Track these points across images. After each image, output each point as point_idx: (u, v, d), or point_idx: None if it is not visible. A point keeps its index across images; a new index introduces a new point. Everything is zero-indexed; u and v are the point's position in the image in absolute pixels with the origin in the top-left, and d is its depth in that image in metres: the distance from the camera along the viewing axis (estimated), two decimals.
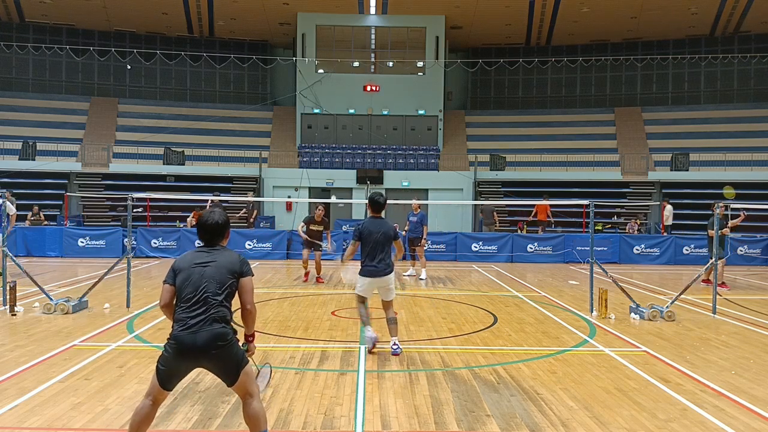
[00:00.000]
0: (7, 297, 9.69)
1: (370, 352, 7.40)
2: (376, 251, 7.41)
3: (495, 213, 24.15)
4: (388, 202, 7.88)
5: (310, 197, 29.41)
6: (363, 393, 5.88)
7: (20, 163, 28.87)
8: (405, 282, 14.39)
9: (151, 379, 4.18)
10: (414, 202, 15.25)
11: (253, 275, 4.34)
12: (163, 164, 30.52)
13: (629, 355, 7.50)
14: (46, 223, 22.26)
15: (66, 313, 9.50)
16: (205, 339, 4.03)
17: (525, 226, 24.82)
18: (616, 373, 6.68)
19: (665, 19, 33.04)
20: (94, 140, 31.94)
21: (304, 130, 33.73)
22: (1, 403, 5.44)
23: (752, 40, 34.60)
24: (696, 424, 5.18)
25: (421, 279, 14.63)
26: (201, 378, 6.24)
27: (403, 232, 14.97)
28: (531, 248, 19.92)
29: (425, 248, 15.51)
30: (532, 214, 24.49)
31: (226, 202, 23.63)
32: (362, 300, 7.67)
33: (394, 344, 7.35)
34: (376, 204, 7.58)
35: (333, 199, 27.95)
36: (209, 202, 18.00)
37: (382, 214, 7.67)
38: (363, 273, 7.51)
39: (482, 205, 24.60)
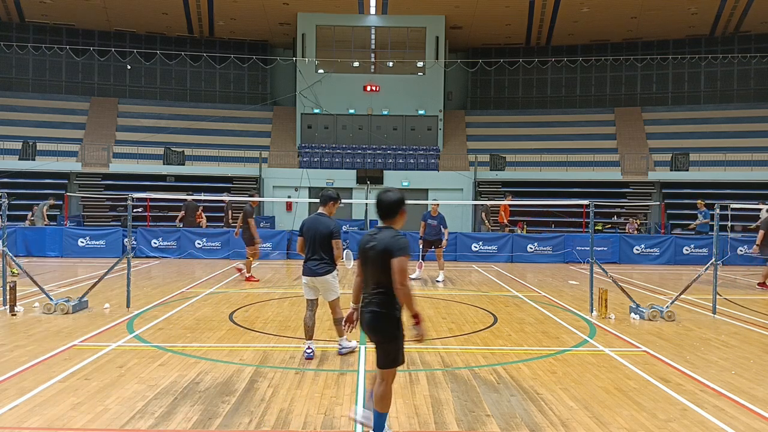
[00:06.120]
0: (7, 297, 9.69)
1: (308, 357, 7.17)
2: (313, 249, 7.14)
3: (483, 213, 23.39)
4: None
5: (310, 197, 29.43)
6: (363, 393, 5.88)
7: (20, 163, 28.88)
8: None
9: None
10: (432, 202, 14.94)
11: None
12: (163, 164, 30.52)
13: (629, 355, 7.50)
14: (46, 223, 22.22)
15: (66, 313, 9.50)
16: None
17: (525, 226, 24.77)
18: (616, 373, 6.67)
19: (665, 19, 33.05)
20: (94, 140, 31.95)
21: (304, 130, 33.74)
22: (1, 403, 5.43)
23: (752, 40, 34.61)
24: (696, 424, 5.18)
25: (438, 281, 14.42)
26: (201, 378, 6.24)
27: (420, 236, 14.76)
28: (531, 248, 19.91)
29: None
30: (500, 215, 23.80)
31: (231, 202, 23.32)
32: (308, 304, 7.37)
33: (339, 345, 7.41)
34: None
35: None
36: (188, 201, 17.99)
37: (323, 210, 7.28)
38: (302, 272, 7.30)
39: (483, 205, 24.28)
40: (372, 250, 4.49)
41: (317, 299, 7.34)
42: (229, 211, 21.35)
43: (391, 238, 4.44)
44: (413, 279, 14.53)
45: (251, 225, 14.14)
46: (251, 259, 14.31)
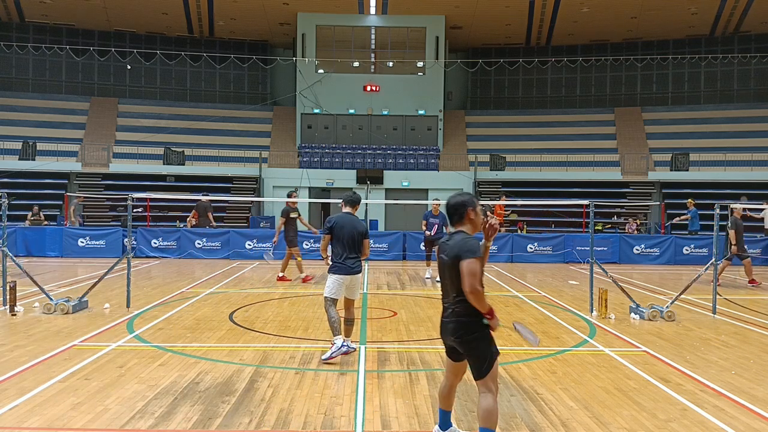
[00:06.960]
0: (7, 297, 9.69)
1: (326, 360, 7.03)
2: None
3: (489, 212, 23.21)
4: (389, 202, 7.80)
5: (310, 197, 29.42)
6: (363, 393, 5.88)
7: (20, 163, 28.88)
8: (404, 282, 14.39)
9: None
10: (433, 202, 14.93)
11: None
12: (163, 164, 30.53)
13: (629, 355, 7.50)
14: (46, 223, 22.26)
15: (66, 313, 9.50)
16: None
17: (525, 226, 24.79)
18: (616, 373, 6.67)
19: (665, 19, 33.04)
20: (94, 140, 31.96)
21: (304, 130, 33.74)
22: (1, 403, 5.43)
23: (752, 40, 34.61)
24: (696, 424, 5.17)
25: (438, 281, 14.37)
26: (201, 378, 6.24)
27: (426, 232, 14.73)
28: (531, 248, 19.91)
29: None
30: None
31: (226, 201, 23.13)
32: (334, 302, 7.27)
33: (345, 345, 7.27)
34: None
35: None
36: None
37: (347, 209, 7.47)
38: (335, 271, 7.20)
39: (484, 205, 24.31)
40: (446, 258, 4.37)
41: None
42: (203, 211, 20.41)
43: (460, 242, 4.30)
44: (426, 278, 14.76)
45: (279, 224, 14.06)
46: (299, 259, 14.10)
